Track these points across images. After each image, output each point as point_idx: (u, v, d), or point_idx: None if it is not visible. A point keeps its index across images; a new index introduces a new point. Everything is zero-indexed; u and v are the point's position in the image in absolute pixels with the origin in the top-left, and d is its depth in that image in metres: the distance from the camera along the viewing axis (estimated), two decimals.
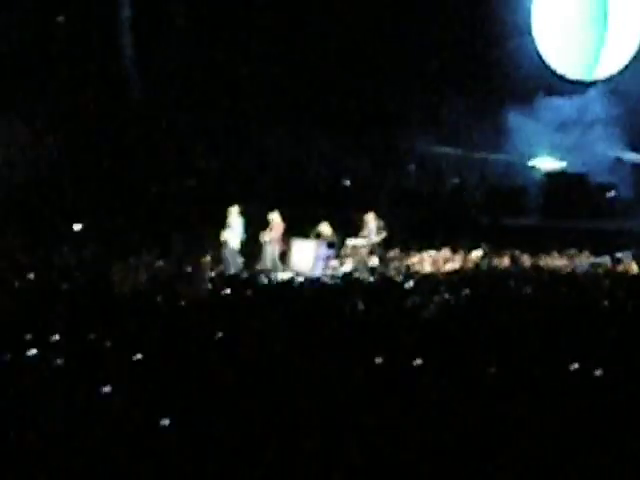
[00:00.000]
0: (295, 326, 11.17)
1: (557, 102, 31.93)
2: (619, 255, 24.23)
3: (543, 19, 32.29)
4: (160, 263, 21.00)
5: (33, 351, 8.90)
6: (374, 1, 30.28)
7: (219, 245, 21.88)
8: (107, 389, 7.47)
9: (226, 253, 21.59)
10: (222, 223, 22.01)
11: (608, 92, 31.66)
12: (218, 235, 21.90)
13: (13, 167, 27.13)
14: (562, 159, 32.37)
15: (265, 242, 21.85)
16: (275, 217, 22.09)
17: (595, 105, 31.76)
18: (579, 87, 32.42)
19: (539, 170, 32.73)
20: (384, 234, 21.87)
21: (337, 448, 6.29)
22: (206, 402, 7.22)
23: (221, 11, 29.14)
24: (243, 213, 22.04)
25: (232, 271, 20.84)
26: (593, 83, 32.30)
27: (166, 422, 6.52)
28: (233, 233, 21.76)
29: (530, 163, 32.49)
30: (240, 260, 21.66)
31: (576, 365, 8.62)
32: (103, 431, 6.43)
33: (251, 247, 22.08)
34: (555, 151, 32.25)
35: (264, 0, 29.75)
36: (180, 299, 14.04)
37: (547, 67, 32.06)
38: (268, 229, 21.98)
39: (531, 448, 6.37)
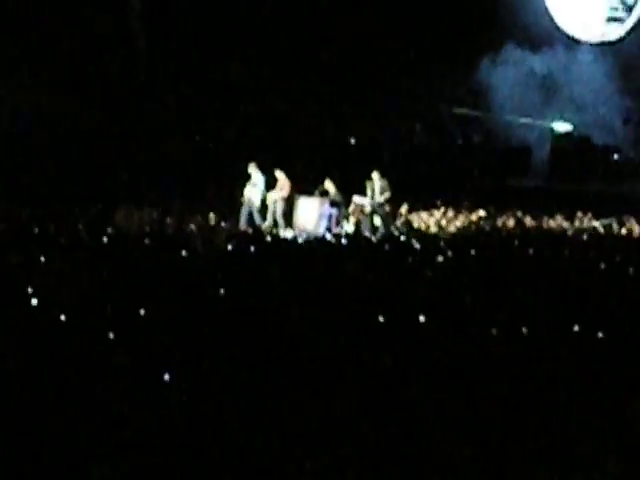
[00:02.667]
0: (297, 284, 11.17)
1: (563, 60, 31.70)
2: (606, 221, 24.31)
3: None
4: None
5: (34, 301, 8.92)
6: None
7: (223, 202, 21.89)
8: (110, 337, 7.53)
9: (243, 209, 21.56)
10: (223, 182, 21.97)
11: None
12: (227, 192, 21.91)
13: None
14: (570, 120, 32.26)
15: (273, 200, 21.78)
16: (280, 175, 22.02)
17: (599, 65, 31.53)
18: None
19: (547, 131, 32.63)
20: (388, 193, 21.80)
21: (336, 402, 6.32)
22: (207, 356, 7.24)
23: None
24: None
25: (244, 227, 20.87)
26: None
27: (167, 377, 6.55)
28: (255, 189, 21.71)
29: (537, 124, 32.37)
30: (259, 217, 21.61)
31: (577, 327, 8.64)
32: (104, 384, 6.46)
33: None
34: (562, 111, 32.12)
35: None
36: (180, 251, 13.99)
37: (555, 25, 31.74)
38: (277, 187, 21.90)
39: (529, 408, 6.40)
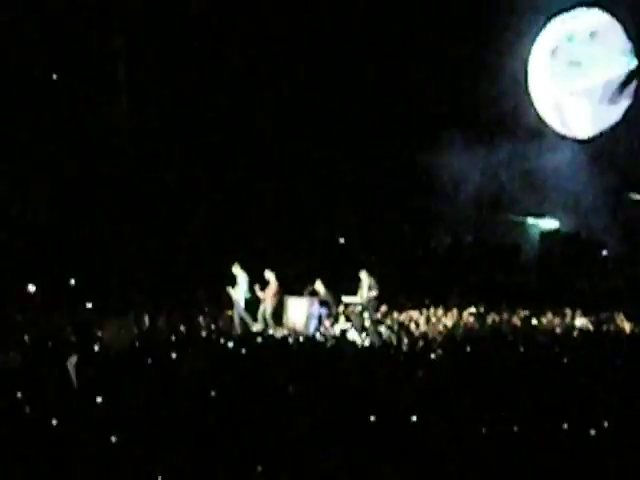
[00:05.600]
0: (290, 383, 11.15)
1: (550, 156, 31.88)
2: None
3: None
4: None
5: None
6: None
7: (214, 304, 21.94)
8: None
9: (235, 312, 21.59)
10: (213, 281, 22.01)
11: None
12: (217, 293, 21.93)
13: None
14: (557, 217, 32.46)
15: (262, 300, 21.83)
16: (270, 276, 22.08)
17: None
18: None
19: (535, 228, 32.84)
20: (376, 292, 21.84)
21: None
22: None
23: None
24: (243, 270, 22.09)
25: (238, 332, 20.83)
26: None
27: None
28: (239, 290, 21.75)
29: (526, 221, 32.59)
30: (247, 317, 21.60)
31: (566, 425, 8.63)
32: None
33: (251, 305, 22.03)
34: (551, 208, 32.30)
35: None
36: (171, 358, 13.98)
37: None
38: (267, 288, 21.95)
39: None
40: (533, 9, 29.07)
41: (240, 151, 29.81)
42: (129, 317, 20.25)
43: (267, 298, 21.77)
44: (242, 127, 29.97)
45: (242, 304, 21.71)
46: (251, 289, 21.80)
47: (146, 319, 20.69)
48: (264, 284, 21.90)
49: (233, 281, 21.85)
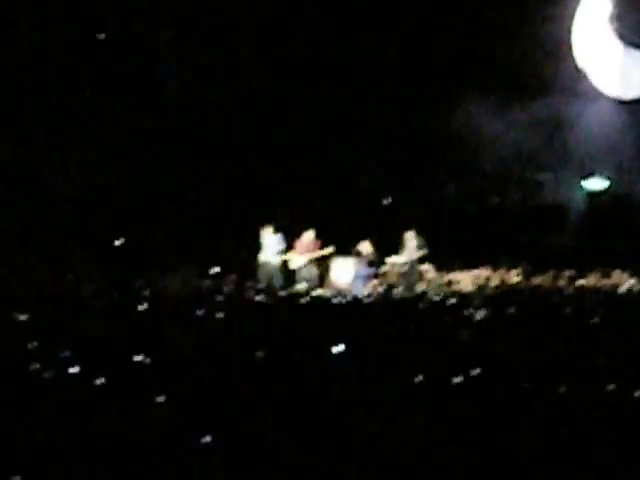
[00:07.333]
0: (332, 342, 11.17)
1: (601, 116, 31.47)
2: None
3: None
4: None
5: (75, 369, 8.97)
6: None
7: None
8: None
9: (260, 274, 21.59)
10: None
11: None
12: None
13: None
14: (608, 177, 32.05)
15: (302, 261, 21.84)
16: (309, 235, 22.05)
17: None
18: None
19: (584, 189, 32.46)
20: (424, 251, 21.78)
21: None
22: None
23: None
24: (278, 230, 22.04)
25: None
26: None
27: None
28: (269, 253, 21.72)
29: (575, 182, 32.22)
30: (280, 278, 21.64)
31: (613, 386, 8.58)
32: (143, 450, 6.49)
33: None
34: (601, 168, 31.91)
35: None
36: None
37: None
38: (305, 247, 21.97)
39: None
40: None
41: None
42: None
43: (308, 259, 21.70)
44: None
45: (275, 264, 21.63)
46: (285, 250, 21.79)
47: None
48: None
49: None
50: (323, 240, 22.11)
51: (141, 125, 27.99)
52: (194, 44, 28.69)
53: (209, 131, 28.91)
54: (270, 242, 21.68)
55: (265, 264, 21.53)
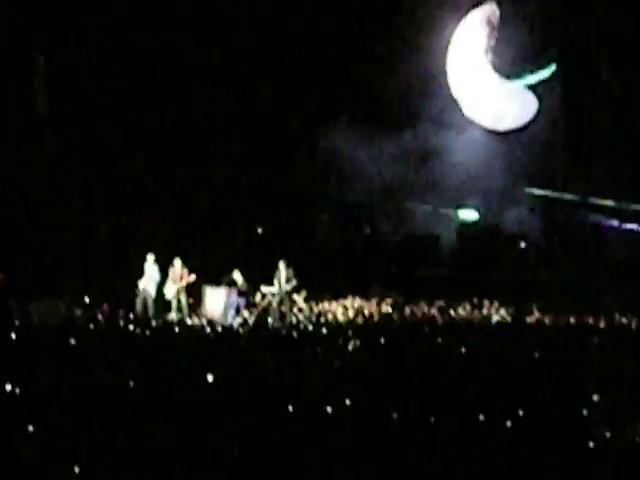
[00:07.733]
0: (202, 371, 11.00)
1: (474, 147, 31.88)
2: None
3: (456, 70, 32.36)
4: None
5: None
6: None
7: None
8: None
9: (138, 301, 21.35)
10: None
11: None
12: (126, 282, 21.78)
13: None
14: (477, 208, 32.50)
15: (174, 290, 21.68)
16: (177, 263, 21.91)
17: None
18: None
19: (456, 219, 32.88)
20: (294, 282, 21.77)
21: None
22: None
23: None
24: (157, 261, 21.89)
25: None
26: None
27: None
28: (149, 281, 21.53)
29: (445, 212, 32.62)
30: (153, 307, 21.40)
31: (482, 417, 8.59)
32: None
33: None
34: (473, 199, 32.35)
35: None
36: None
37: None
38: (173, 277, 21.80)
39: None
40: None
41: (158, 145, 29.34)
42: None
43: (179, 288, 21.61)
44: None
45: (152, 294, 21.53)
46: (162, 280, 21.67)
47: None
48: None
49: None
50: (194, 270, 21.92)
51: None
52: None
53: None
54: (149, 271, 21.56)
55: (142, 292, 21.38)
